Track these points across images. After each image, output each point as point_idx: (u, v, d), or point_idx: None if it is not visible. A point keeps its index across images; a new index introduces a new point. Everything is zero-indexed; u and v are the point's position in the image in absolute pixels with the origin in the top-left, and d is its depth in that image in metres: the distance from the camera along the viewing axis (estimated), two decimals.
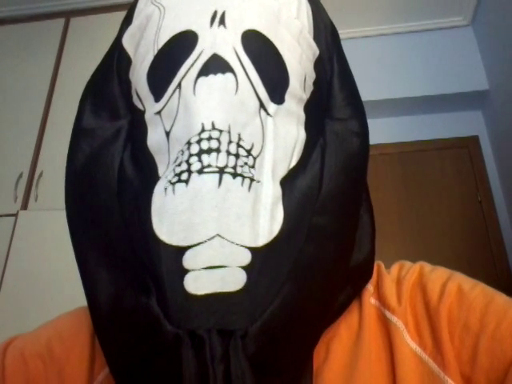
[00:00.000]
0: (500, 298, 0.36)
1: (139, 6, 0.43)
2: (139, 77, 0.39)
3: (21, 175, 1.91)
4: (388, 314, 0.38)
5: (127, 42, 0.42)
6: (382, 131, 2.30)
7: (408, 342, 0.36)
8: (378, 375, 0.35)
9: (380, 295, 0.40)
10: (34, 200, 1.86)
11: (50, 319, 0.43)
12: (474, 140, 2.32)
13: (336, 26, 0.47)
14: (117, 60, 0.43)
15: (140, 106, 0.39)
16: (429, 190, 2.25)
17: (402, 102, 2.36)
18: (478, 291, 0.36)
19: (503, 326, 0.33)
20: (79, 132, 0.41)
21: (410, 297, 0.38)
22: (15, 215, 1.80)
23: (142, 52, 0.40)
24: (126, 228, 0.35)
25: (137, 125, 0.39)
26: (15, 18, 2.35)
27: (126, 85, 0.41)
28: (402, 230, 2.17)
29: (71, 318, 0.42)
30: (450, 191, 2.23)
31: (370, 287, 0.41)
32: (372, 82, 2.30)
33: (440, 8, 2.35)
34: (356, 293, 0.39)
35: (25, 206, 1.86)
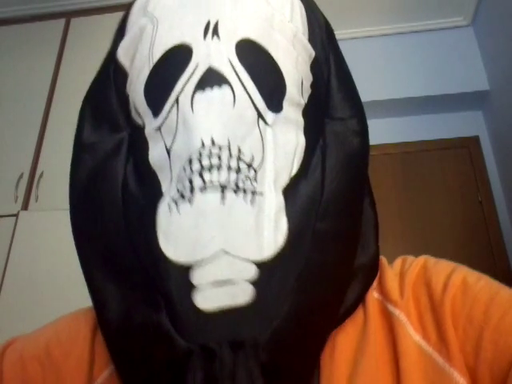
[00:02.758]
0: (505, 291, 0.36)
1: (131, 18, 0.43)
2: (136, 92, 0.39)
3: (21, 175, 1.90)
4: (390, 307, 0.38)
5: (122, 55, 0.42)
6: (382, 131, 2.30)
7: (411, 335, 0.36)
8: (383, 368, 0.35)
9: (382, 289, 0.40)
10: (35, 200, 1.86)
11: (50, 321, 0.43)
12: (475, 140, 2.32)
13: (334, 25, 0.47)
14: (113, 73, 0.42)
15: (139, 121, 0.39)
16: (429, 190, 2.24)
17: (402, 102, 2.36)
18: (482, 284, 0.37)
19: (507, 319, 0.33)
20: (80, 146, 0.41)
21: (413, 289, 0.38)
22: (16, 215, 1.80)
23: (138, 66, 0.40)
24: (132, 245, 0.35)
25: (137, 140, 0.39)
26: (16, 18, 2.35)
27: (123, 97, 0.41)
28: (403, 230, 2.17)
29: (71, 320, 0.42)
30: (450, 191, 2.22)
31: (374, 282, 0.41)
32: (371, 82, 2.30)
33: (440, 8, 2.35)
34: (364, 292, 0.39)
35: (25, 207, 1.86)
